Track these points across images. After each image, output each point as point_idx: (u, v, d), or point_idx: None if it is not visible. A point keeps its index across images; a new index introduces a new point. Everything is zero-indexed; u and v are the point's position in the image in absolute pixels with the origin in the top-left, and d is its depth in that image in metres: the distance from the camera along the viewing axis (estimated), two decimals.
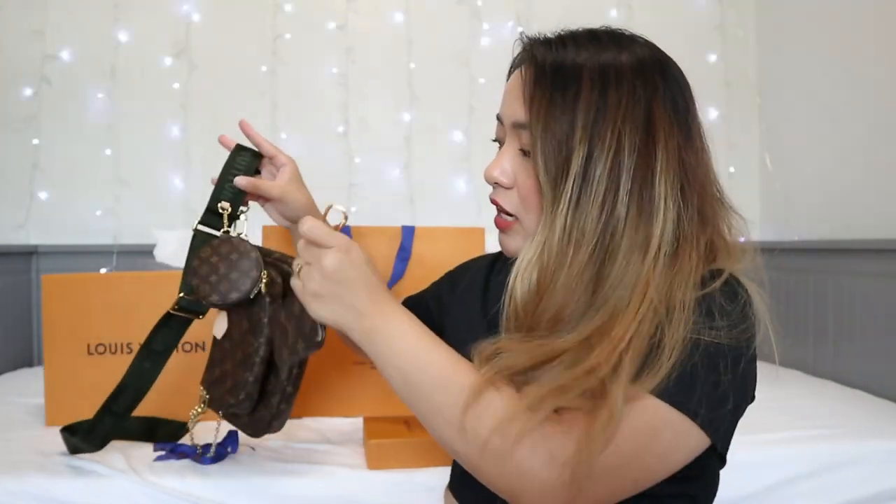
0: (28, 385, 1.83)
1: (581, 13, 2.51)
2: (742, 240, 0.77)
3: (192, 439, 1.22)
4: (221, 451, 1.23)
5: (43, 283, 1.47)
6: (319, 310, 0.72)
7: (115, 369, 1.45)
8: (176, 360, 1.25)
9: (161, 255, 2.18)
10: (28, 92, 2.41)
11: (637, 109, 0.70)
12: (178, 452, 1.24)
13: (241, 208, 1.05)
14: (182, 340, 1.19)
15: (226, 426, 1.25)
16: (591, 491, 0.63)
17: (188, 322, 1.05)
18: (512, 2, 2.58)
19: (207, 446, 1.23)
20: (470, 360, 0.70)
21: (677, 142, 0.71)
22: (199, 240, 1.04)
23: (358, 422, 1.49)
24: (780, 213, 2.51)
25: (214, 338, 1.05)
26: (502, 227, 0.79)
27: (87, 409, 1.40)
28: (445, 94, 2.55)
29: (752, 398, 0.74)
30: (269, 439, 1.33)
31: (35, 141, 2.41)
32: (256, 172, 1.09)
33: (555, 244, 0.70)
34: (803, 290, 2.12)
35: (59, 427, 1.22)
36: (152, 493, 1.14)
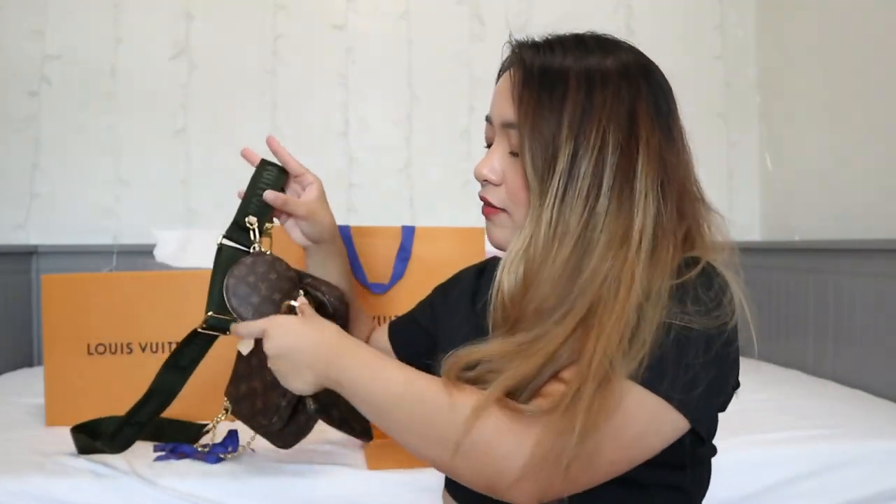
0: (28, 385, 1.83)
1: (581, 13, 2.52)
2: (719, 238, 0.79)
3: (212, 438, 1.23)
4: (221, 451, 1.23)
5: (43, 283, 1.47)
6: (291, 385, 0.81)
7: (115, 369, 1.46)
8: None
9: (161, 255, 2.18)
10: (28, 92, 2.41)
11: (621, 109, 0.73)
12: (178, 452, 1.24)
13: (267, 224, 1.02)
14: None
15: (225, 426, 1.24)
16: (567, 476, 0.64)
17: (214, 338, 1.02)
18: (512, 1, 2.58)
19: (207, 446, 1.23)
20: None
21: (658, 141, 0.75)
22: (225, 255, 0.99)
23: None
24: (780, 213, 2.51)
25: (238, 352, 1.03)
26: (489, 215, 0.81)
27: (87, 409, 1.40)
28: (445, 94, 2.55)
29: (737, 384, 0.76)
30: None
31: (35, 141, 2.41)
32: (281, 189, 1.06)
33: (541, 238, 0.72)
34: (803, 290, 2.12)
35: (69, 427, 1.22)
36: (152, 493, 1.14)
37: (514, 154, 0.78)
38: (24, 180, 2.41)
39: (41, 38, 2.42)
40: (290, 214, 1.05)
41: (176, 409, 1.35)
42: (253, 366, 1.01)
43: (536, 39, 0.79)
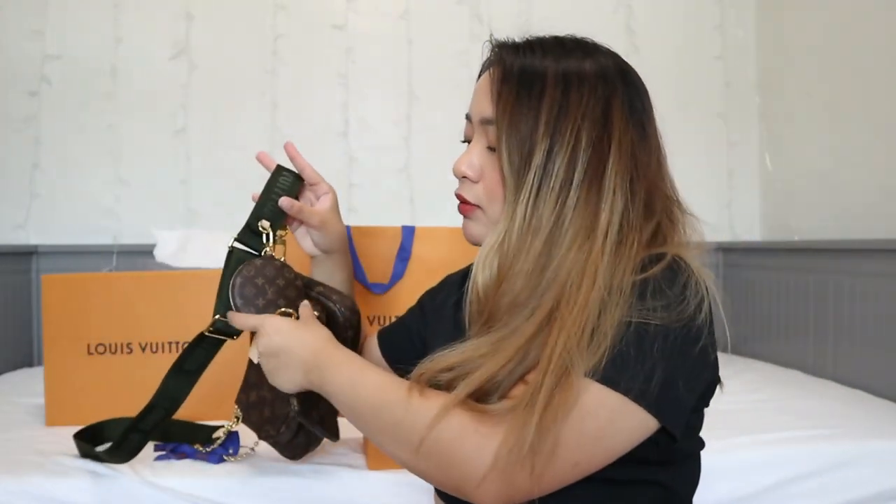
0: (28, 385, 1.83)
1: (580, 13, 2.52)
2: (694, 238, 0.79)
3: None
4: (223, 453, 1.23)
5: (43, 283, 1.47)
6: (277, 382, 0.85)
7: (115, 369, 1.46)
8: None
9: (161, 255, 2.18)
10: (28, 92, 2.41)
11: (596, 108, 0.75)
12: (178, 453, 1.24)
13: (280, 232, 1.01)
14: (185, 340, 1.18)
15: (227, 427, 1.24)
16: (532, 474, 0.65)
17: (221, 342, 1.01)
18: (512, 1, 2.58)
19: (208, 447, 1.23)
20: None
21: (631, 139, 0.76)
22: (235, 258, 0.99)
23: None
24: (780, 213, 2.51)
25: (250, 360, 1.01)
26: (465, 212, 0.83)
27: (87, 409, 1.41)
28: (445, 94, 2.55)
29: (716, 380, 0.76)
30: None
31: (35, 141, 2.41)
32: (295, 197, 1.04)
33: (515, 232, 0.74)
34: (803, 290, 2.12)
35: (70, 429, 1.22)
36: (153, 493, 1.14)
37: (491, 149, 0.79)
38: (24, 180, 2.41)
39: (41, 38, 2.42)
40: (302, 222, 1.04)
41: (185, 412, 1.35)
42: (262, 374, 0.99)
43: (517, 40, 0.81)
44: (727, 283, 2.51)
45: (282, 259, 1.00)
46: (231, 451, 1.23)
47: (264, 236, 1.00)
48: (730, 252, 2.55)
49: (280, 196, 1.00)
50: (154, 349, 1.48)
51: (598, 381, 0.66)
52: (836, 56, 2.18)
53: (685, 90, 2.60)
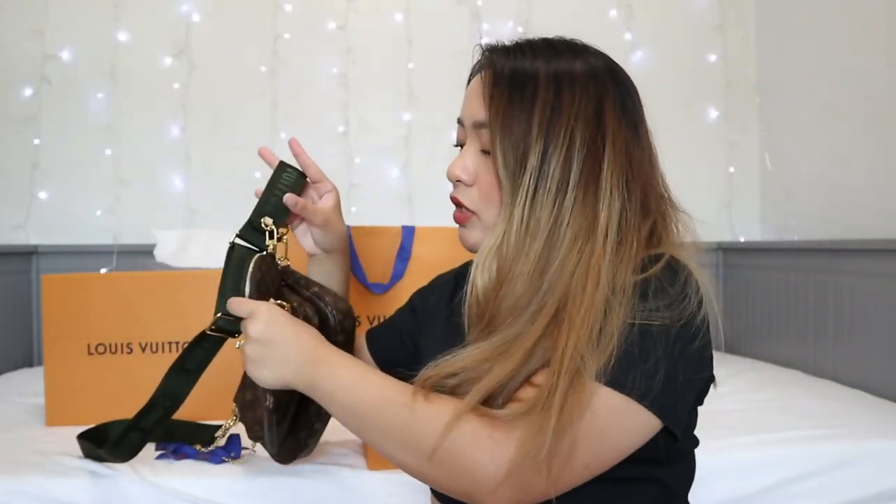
0: (28, 385, 1.83)
1: (581, 13, 2.53)
2: (687, 237, 0.80)
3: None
4: (224, 455, 1.23)
5: (43, 283, 1.47)
6: (258, 373, 0.79)
7: (115, 369, 1.46)
8: None
9: (161, 255, 2.18)
10: (28, 92, 2.41)
11: (589, 108, 0.75)
12: (178, 453, 1.24)
13: (281, 230, 0.98)
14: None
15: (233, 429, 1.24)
16: (547, 480, 0.65)
17: (222, 341, 0.98)
18: (512, 2, 2.58)
19: (209, 449, 1.23)
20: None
21: (625, 137, 0.76)
22: (237, 255, 0.95)
23: None
24: (780, 213, 2.51)
25: None
26: (461, 221, 0.82)
27: (87, 409, 1.41)
28: (445, 94, 2.54)
29: (711, 378, 0.77)
30: None
31: (35, 141, 2.41)
32: (298, 194, 1.02)
33: (513, 235, 0.74)
34: (803, 290, 2.12)
35: (71, 429, 1.22)
36: (152, 493, 1.14)
37: (485, 152, 0.79)
38: (24, 180, 2.42)
39: (41, 38, 2.42)
40: (304, 220, 1.03)
41: (187, 412, 1.35)
42: None
43: (507, 43, 0.81)
44: (727, 283, 2.51)
45: (279, 259, 0.98)
46: (233, 455, 1.23)
47: (267, 233, 0.98)
48: (730, 252, 2.55)
49: (283, 193, 0.98)
50: (154, 349, 1.48)
51: (605, 384, 0.66)
52: (836, 56, 2.17)
53: (685, 90, 2.60)
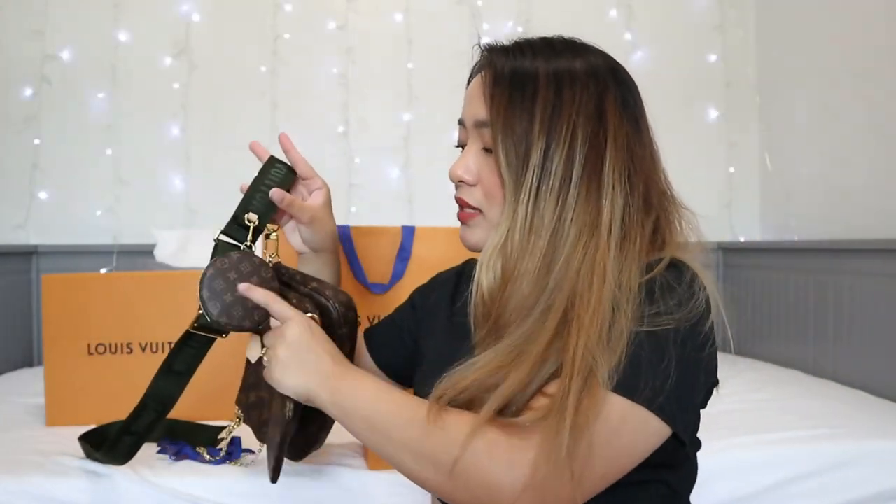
0: (28, 385, 1.83)
1: (581, 13, 2.52)
2: (691, 236, 0.80)
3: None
4: (227, 460, 1.22)
5: (43, 283, 1.47)
6: (286, 379, 0.79)
7: (115, 369, 1.46)
8: None
9: (161, 255, 2.18)
10: (28, 92, 2.41)
11: (590, 104, 0.75)
12: (180, 454, 1.23)
13: (271, 226, 0.96)
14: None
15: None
16: (570, 482, 0.65)
17: (211, 341, 0.97)
18: (512, 2, 2.58)
19: (211, 453, 1.23)
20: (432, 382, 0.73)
21: (626, 133, 0.76)
22: (220, 251, 0.93)
23: None
24: (780, 213, 2.51)
25: (248, 360, 0.98)
26: (464, 220, 0.82)
27: (87, 409, 1.41)
28: (445, 95, 2.54)
29: (715, 381, 0.77)
30: None
31: (35, 141, 2.42)
32: (287, 190, 0.98)
33: (517, 233, 0.74)
34: (803, 290, 2.12)
35: (71, 430, 1.22)
36: (152, 493, 1.14)
37: (487, 151, 0.79)
38: (24, 180, 2.42)
39: (41, 38, 2.42)
40: (292, 217, 1.00)
41: (188, 412, 1.35)
42: (261, 375, 0.94)
43: (506, 43, 0.81)
44: (727, 283, 2.51)
45: (271, 256, 0.95)
46: (234, 458, 1.23)
47: (250, 230, 0.94)
48: (730, 252, 2.55)
49: (270, 188, 0.94)
50: (154, 349, 1.48)
51: (616, 391, 0.66)
52: (836, 56, 2.17)
53: (685, 90, 2.60)
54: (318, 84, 2.55)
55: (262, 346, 0.87)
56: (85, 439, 1.19)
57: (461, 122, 0.83)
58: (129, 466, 1.18)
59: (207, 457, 1.23)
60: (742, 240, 2.62)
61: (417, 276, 1.49)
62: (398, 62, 2.57)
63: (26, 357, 2.32)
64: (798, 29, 2.40)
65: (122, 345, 1.47)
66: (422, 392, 0.89)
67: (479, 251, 0.80)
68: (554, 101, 0.74)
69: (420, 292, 1.03)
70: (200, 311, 0.89)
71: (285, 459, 1.00)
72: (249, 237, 0.94)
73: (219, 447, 1.23)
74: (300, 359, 0.79)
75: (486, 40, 0.83)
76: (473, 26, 2.56)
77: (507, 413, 0.69)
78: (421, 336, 0.97)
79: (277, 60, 2.53)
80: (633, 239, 0.73)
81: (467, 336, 0.79)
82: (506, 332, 0.73)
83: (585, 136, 0.74)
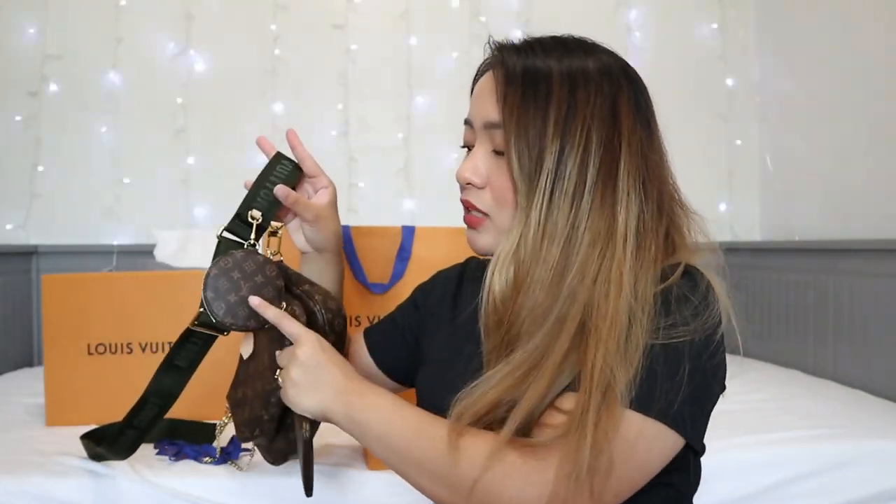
0: (28, 385, 1.83)
1: (580, 13, 2.52)
2: (701, 239, 0.79)
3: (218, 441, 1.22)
4: (223, 458, 1.22)
5: (43, 283, 1.47)
6: (301, 400, 0.78)
7: (116, 369, 1.46)
8: None
9: (161, 255, 2.18)
10: (28, 92, 2.41)
11: (604, 106, 0.73)
12: (180, 455, 1.23)
13: (276, 224, 0.94)
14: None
15: (229, 430, 1.24)
16: (591, 498, 0.64)
17: (213, 337, 0.96)
18: (513, 2, 2.58)
19: (211, 456, 1.23)
20: (441, 388, 0.73)
21: (640, 137, 0.74)
22: (223, 248, 0.92)
23: None
24: (780, 213, 2.51)
25: (241, 355, 0.97)
26: (473, 224, 0.80)
27: (87, 409, 1.41)
28: (445, 95, 2.55)
29: (723, 388, 0.76)
30: None
31: (35, 141, 2.41)
32: (292, 188, 0.96)
33: (530, 239, 0.72)
34: (803, 290, 2.12)
35: (72, 429, 1.22)
36: (152, 493, 1.14)
37: (497, 153, 0.77)
38: (24, 180, 2.41)
39: (41, 38, 2.42)
40: (296, 215, 0.97)
41: (188, 412, 1.35)
42: (249, 372, 0.94)
43: (516, 42, 0.79)
44: (727, 283, 2.51)
45: (274, 254, 0.94)
46: (233, 459, 1.23)
47: (253, 227, 0.92)
48: (730, 252, 2.54)
49: (275, 185, 0.92)
50: (154, 349, 1.48)
51: (633, 408, 0.66)
52: (835, 56, 2.17)
53: (685, 90, 2.60)
54: (318, 84, 2.55)
55: (277, 367, 0.85)
56: (86, 437, 1.19)
57: (468, 123, 0.81)
58: (130, 466, 1.18)
59: (207, 458, 1.23)
60: (742, 240, 2.62)
61: (417, 276, 1.49)
62: (398, 62, 2.57)
63: (26, 357, 2.32)
64: (798, 29, 2.41)
65: (122, 345, 1.47)
66: (424, 394, 0.89)
67: (488, 254, 0.78)
68: (568, 102, 0.73)
69: (422, 290, 1.01)
70: (201, 309, 0.88)
71: (285, 460, 1.00)
72: (253, 234, 0.92)
73: (214, 444, 1.23)
74: (313, 377, 0.78)
75: (494, 38, 0.81)
76: (474, 26, 2.56)
77: (523, 428, 0.68)
78: (422, 335, 0.96)
79: (277, 60, 2.53)
80: (647, 247, 0.72)
81: (471, 339, 0.78)
82: (518, 342, 0.72)
83: (600, 140, 0.72)
